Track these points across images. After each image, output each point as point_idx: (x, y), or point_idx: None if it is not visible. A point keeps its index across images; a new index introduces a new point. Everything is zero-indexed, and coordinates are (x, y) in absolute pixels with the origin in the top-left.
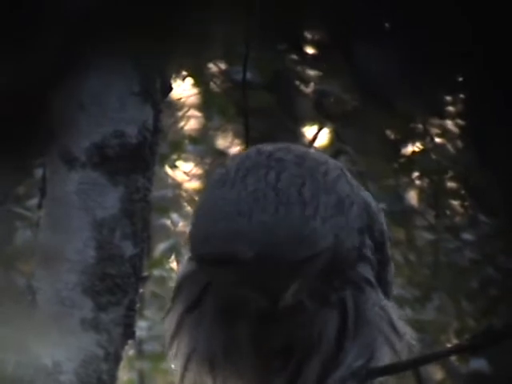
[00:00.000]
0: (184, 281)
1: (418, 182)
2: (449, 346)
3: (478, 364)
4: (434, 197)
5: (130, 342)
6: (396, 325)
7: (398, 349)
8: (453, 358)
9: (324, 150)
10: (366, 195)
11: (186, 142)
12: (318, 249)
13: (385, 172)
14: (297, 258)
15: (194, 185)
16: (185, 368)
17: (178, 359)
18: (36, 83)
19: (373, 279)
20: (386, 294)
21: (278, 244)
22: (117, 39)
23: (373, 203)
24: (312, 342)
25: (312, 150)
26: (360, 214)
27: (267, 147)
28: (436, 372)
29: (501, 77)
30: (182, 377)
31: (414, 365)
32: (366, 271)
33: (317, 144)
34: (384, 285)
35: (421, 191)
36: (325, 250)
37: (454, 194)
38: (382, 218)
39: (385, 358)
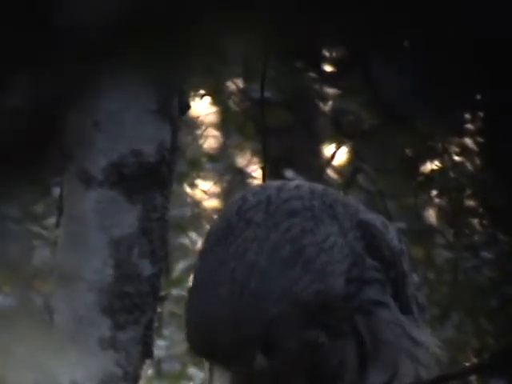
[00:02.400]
0: None
1: (436, 201)
2: (468, 364)
3: (498, 383)
4: (453, 215)
5: (148, 361)
6: (418, 338)
7: (424, 362)
8: (472, 377)
9: (342, 168)
10: (369, 217)
11: (205, 160)
12: (250, 331)
13: (403, 190)
14: (235, 337)
15: (212, 203)
16: None
17: None
18: (51, 102)
19: (383, 298)
20: (407, 308)
21: (214, 326)
22: (134, 57)
23: (377, 222)
24: (334, 372)
25: (302, 193)
26: (352, 245)
27: (249, 201)
28: None
29: None
30: None
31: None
32: (373, 293)
33: (335, 162)
34: (404, 300)
35: (440, 209)
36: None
37: (473, 213)
38: (392, 234)
39: (409, 373)
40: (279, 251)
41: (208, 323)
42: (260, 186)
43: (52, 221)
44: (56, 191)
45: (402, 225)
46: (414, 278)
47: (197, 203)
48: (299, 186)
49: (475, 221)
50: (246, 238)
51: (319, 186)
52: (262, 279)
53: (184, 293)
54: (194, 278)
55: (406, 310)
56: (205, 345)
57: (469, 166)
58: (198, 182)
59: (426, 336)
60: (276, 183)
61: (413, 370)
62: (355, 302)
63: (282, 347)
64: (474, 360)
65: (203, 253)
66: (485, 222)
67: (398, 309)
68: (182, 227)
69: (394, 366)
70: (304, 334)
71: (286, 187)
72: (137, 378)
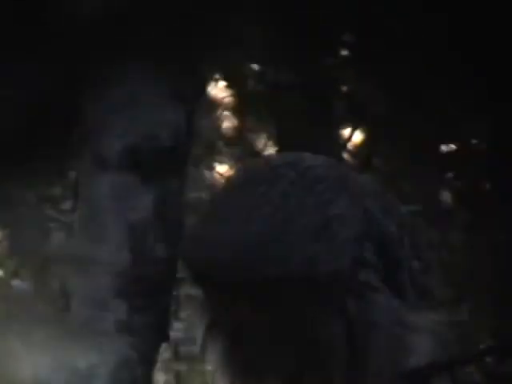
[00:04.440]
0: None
1: (452, 183)
2: (484, 346)
3: None
4: (468, 197)
5: (164, 343)
6: (411, 324)
7: (417, 349)
8: (488, 359)
9: (357, 150)
10: (369, 201)
11: (221, 143)
12: (248, 274)
13: (418, 172)
14: (228, 279)
15: None
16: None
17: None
18: (69, 88)
19: (376, 282)
20: (401, 294)
21: (215, 259)
22: (150, 42)
23: (374, 208)
24: (324, 353)
25: (321, 162)
26: (357, 225)
27: (277, 160)
28: (472, 373)
29: None
30: None
31: (450, 366)
32: (368, 276)
33: (351, 145)
34: (397, 285)
35: (455, 191)
36: (271, 276)
37: (488, 194)
38: (390, 219)
39: (410, 358)
40: (313, 218)
41: (225, 251)
42: (279, 154)
43: (68, 205)
44: (72, 175)
45: (416, 207)
46: (416, 263)
47: (214, 186)
48: (314, 156)
49: (490, 203)
50: (284, 191)
51: (331, 159)
52: (293, 238)
53: None
54: (215, 207)
55: (399, 296)
56: (209, 267)
57: (484, 148)
58: (215, 165)
59: (422, 322)
60: (293, 153)
61: (412, 355)
62: (351, 283)
63: (269, 306)
64: (490, 342)
65: (227, 189)
66: (499, 203)
67: (390, 294)
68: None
69: (392, 351)
70: (295, 305)
71: (304, 155)
72: (153, 361)
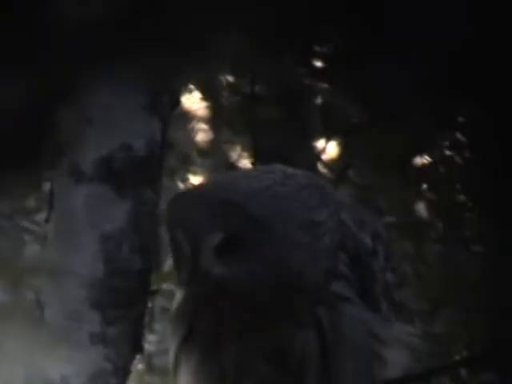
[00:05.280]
0: (177, 311)
1: (427, 194)
2: (459, 358)
3: (489, 377)
4: (444, 209)
5: (138, 356)
6: (384, 337)
7: (391, 361)
8: (462, 371)
9: (332, 162)
10: (345, 213)
11: (195, 154)
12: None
13: (394, 184)
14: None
15: None
16: None
17: None
18: (43, 98)
19: (350, 294)
20: (375, 306)
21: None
22: (125, 53)
23: (349, 221)
24: (298, 365)
25: (300, 173)
26: (333, 236)
27: (255, 171)
28: None
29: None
30: None
31: (424, 377)
32: (341, 288)
33: (325, 157)
34: (371, 298)
35: (430, 203)
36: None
37: (464, 206)
38: (365, 233)
39: (385, 370)
40: (297, 222)
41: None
42: (254, 167)
43: (42, 216)
44: (46, 186)
45: (392, 219)
46: (390, 276)
47: None
48: (290, 168)
49: (466, 214)
50: (271, 187)
51: (307, 172)
52: (275, 231)
53: (174, 287)
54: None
55: (373, 307)
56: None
57: (459, 159)
58: (189, 176)
59: (396, 334)
60: (268, 165)
61: (385, 367)
62: (324, 294)
63: (234, 257)
64: (465, 354)
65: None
66: (475, 215)
67: (364, 306)
68: None
69: (366, 363)
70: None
71: (281, 167)
72: (127, 373)
